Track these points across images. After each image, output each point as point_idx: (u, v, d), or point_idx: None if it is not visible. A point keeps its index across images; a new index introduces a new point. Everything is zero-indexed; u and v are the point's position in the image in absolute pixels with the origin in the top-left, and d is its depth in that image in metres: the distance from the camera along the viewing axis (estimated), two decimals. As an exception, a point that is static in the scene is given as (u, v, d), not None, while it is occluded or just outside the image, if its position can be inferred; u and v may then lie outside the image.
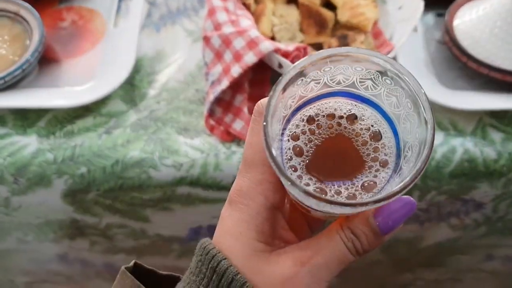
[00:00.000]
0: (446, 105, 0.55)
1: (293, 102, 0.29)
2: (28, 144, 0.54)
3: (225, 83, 0.52)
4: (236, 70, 0.52)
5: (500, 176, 0.56)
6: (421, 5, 0.57)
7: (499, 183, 0.57)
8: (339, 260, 0.29)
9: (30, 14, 0.60)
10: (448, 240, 0.69)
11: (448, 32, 0.59)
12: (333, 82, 0.29)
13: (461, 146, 0.55)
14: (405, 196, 0.29)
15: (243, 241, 0.29)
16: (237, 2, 0.59)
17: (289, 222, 0.33)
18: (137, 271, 0.34)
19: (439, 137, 0.55)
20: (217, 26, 0.54)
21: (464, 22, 0.59)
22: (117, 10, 0.66)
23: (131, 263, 0.34)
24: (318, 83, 0.29)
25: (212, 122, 0.54)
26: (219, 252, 0.29)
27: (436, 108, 0.57)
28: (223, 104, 0.54)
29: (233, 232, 0.30)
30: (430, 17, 0.65)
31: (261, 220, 0.30)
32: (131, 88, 0.60)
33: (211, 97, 0.53)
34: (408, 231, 0.66)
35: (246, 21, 0.55)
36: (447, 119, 0.57)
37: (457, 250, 0.72)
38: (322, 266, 0.29)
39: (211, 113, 0.54)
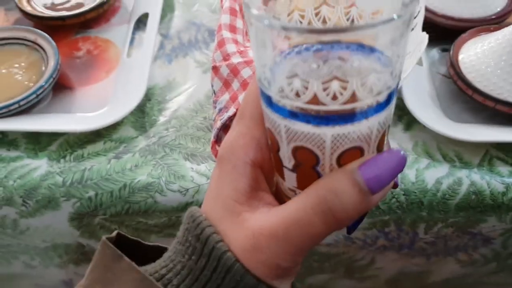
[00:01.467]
0: (452, 136, 0.55)
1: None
2: (38, 167, 0.55)
3: (232, 110, 0.53)
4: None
5: (508, 210, 0.56)
6: (425, 38, 0.58)
7: (507, 217, 0.57)
8: (302, 231, 0.25)
9: (47, 42, 0.63)
10: (457, 277, 0.68)
11: (453, 65, 0.60)
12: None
13: (467, 178, 0.55)
14: (395, 149, 0.26)
15: (220, 200, 0.28)
16: (246, 35, 0.61)
17: (272, 188, 0.31)
18: (121, 242, 0.32)
19: (444, 169, 0.55)
20: (226, 57, 0.56)
21: (469, 56, 0.60)
22: (130, 41, 0.69)
23: (114, 233, 0.32)
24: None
25: (218, 148, 0.55)
26: (205, 220, 0.28)
27: (441, 140, 0.57)
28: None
29: (213, 192, 0.29)
30: (435, 52, 0.66)
31: (236, 176, 0.28)
32: (142, 115, 0.61)
33: (218, 123, 0.54)
34: (414, 265, 0.65)
35: (254, 51, 0.57)
36: (452, 151, 0.57)
37: (466, 287, 0.70)
38: (281, 241, 0.25)
39: (217, 140, 0.55)
